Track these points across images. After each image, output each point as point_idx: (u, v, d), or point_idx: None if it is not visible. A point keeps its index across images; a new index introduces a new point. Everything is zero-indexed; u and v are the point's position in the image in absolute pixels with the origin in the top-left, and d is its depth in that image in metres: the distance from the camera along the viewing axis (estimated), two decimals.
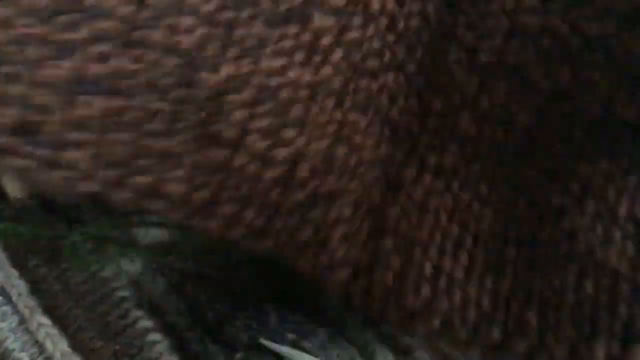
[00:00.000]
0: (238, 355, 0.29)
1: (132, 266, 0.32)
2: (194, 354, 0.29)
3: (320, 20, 0.25)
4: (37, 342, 0.29)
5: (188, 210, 0.25)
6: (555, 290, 0.27)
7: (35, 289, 0.32)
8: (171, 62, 0.24)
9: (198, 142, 0.24)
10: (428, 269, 0.28)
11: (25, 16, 0.22)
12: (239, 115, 0.24)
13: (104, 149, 0.24)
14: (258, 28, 0.24)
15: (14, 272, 0.32)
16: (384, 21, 0.25)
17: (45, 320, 0.30)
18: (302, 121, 0.24)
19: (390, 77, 0.26)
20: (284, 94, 0.25)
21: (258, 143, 0.24)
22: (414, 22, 0.25)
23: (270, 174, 0.25)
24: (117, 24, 0.23)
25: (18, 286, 0.31)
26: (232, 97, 0.24)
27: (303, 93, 0.24)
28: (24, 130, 0.23)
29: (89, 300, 0.31)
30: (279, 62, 0.24)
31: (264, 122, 0.24)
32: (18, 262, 0.32)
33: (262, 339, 0.30)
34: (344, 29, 0.25)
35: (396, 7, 0.25)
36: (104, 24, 0.23)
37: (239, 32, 0.24)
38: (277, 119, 0.24)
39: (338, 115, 0.25)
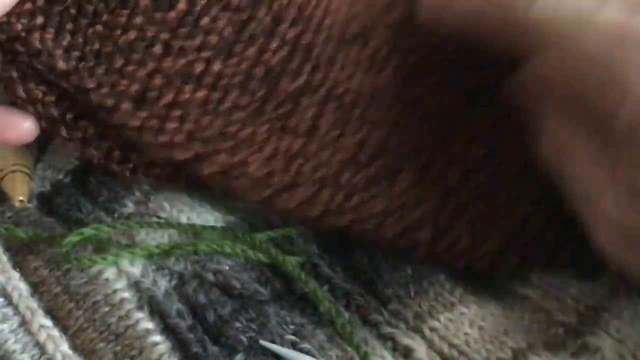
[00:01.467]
0: (238, 357, 0.29)
1: (133, 268, 0.32)
2: (194, 355, 0.29)
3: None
4: (38, 343, 0.29)
5: (269, 191, 0.31)
6: None
7: (36, 290, 0.32)
8: (260, 72, 0.32)
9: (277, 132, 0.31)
10: None
11: None
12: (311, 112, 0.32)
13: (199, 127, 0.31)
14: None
15: (15, 274, 0.32)
16: None
17: (46, 321, 0.30)
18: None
19: None
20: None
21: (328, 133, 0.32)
22: None
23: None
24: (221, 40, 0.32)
25: (19, 288, 0.32)
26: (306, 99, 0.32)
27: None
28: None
29: (90, 301, 0.31)
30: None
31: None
32: (19, 263, 0.33)
33: (261, 340, 0.30)
34: None
35: None
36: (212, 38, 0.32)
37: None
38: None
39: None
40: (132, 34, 0.31)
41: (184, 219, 0.34)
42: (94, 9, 0.31)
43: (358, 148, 0.32)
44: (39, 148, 0.37)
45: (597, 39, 0.25)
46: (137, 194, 0.35)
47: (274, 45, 0.32)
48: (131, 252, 0.32)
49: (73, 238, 0.32)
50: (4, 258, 0.32)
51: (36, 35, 0.30)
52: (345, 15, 0.33)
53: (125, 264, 0.32)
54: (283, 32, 0.32)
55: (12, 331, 0.30)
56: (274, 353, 0.30)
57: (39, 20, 0.31)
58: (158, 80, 0.31)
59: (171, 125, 0.31)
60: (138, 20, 0.31)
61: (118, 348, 0.29)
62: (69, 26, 0.31)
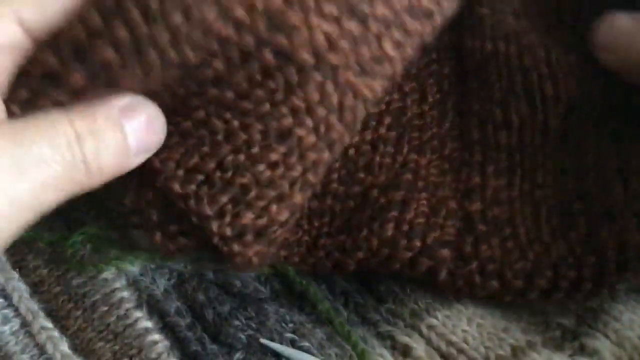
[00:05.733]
0: (237, 355, 0.30)
1: (132, 267, 0.32)
2: (193, 353, 0.29)
3: None
4: (37, 344, 0.30)
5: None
6: None
7: (36, 290, 0.32)
8: None
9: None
10: None
11: None
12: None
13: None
14: None
15: (15, 275, 0.32)
16: None
17: (47, 323, 0.30)
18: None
19: None
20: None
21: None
22: None
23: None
24: None
25: (19, 289, 0.32)
26: None
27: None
28: None
29: (89, 301, 0.31)
30: None
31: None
32: (18, 263, 0.33)
33: (261, 338, 0.30)
34: None
35: None
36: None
37: None
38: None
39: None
40: (278, 171, 0.28)
41: None
42: (247, 138, 0.28)
43: (366, 192, 0.33)
44: None
45: None
46: None
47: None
48: (133, 255, 0.32)
49: (76, 238, 0.32)
50: (3, 258, 0.32)
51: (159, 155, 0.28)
52: None
53: (124, 263, 0.32)
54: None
55: (12, 333, 0.30)
56: (273, 351, 0.30)
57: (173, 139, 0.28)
58: (284, 215, 0.29)
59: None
60: (292, 159, 0.28)
61: (117, 347, 0.30)
62: (205, 149, 0.28)
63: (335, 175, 0.33)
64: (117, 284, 0.31)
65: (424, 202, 0.32)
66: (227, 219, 0.28)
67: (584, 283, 0.30)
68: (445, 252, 0.31)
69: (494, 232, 0.32)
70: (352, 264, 0.31)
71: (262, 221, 0.28)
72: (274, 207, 0.28)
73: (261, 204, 0.28)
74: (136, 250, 0.32)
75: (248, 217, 0.28)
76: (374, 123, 0.34)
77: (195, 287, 0.32)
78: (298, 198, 0.28)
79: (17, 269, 0.32)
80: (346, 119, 0.28)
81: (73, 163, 0.24)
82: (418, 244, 0.31)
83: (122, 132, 0.25)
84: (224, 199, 0.28)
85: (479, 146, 0.34)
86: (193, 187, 0.28)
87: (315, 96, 0.27)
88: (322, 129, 0.28)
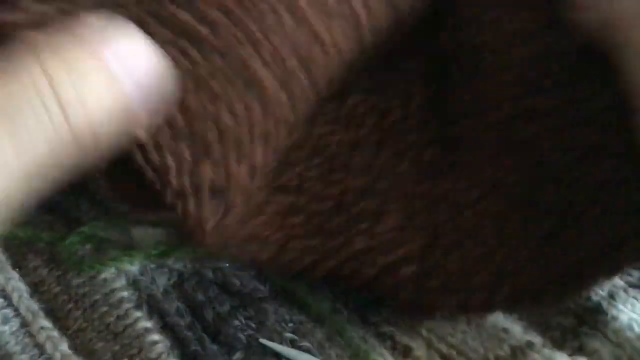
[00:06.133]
0: (237, 355, 0.30)
1: (132, 266, 0.32)
2: (193, 353, 0.29)
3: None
4: (37, 344, 0.30)
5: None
6: None
7: (36, 290, 0.32)
8: None
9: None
10: None
11: None
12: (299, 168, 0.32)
13: None
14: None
15: (15, 275, 0.32)
16: None
17: (46, 323, 0.30)
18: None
19: None
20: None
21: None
22: None
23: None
24: None
25: (19, 289, 0.32)
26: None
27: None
28: None
29: (88, 301, 0.31)
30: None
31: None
32: (18, 263, 0.33)
33: (261, 338, 0.30)
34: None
35: None
36: None
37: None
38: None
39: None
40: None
41: None
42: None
43: (342, 195, 0.32)
44: None
45: None
46: None
47: None
48: (130, 255, 0.32)
49: (73, 238, 0.32)
50: (3, 257, 0.32)
51: None
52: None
53: (124, 262, 0.32)
54: None
55: (12, 333, 0.30)
56: (273, 351, 0.30)
57: None
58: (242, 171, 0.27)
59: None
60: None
61: (117, 347, 0.30)
62: None
63: (312, 173, 0.32)
64: (117, 284, 0.31)
65: (396, 214, 0.31)
66: (186, 169, 0.25)
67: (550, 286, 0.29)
68: (408, 270, 0.30)
69: (458, 244, 0.30)
70: (321, 272, 0.31)
71: (220, 176, 0.26)
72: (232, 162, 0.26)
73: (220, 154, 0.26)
74: (135, 250, 0.32)
75: (206, 170, 0.25)
76: (355, 124, 0.33)
77: (195, 287, 0.32)
78: (258, 153, 0.27)
79: (17, 269, 0.32)
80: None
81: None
82: (383, 260, 0.30)
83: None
84: (184, 147, 0.25)
85: (456, 145, 0.33)
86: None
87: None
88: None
